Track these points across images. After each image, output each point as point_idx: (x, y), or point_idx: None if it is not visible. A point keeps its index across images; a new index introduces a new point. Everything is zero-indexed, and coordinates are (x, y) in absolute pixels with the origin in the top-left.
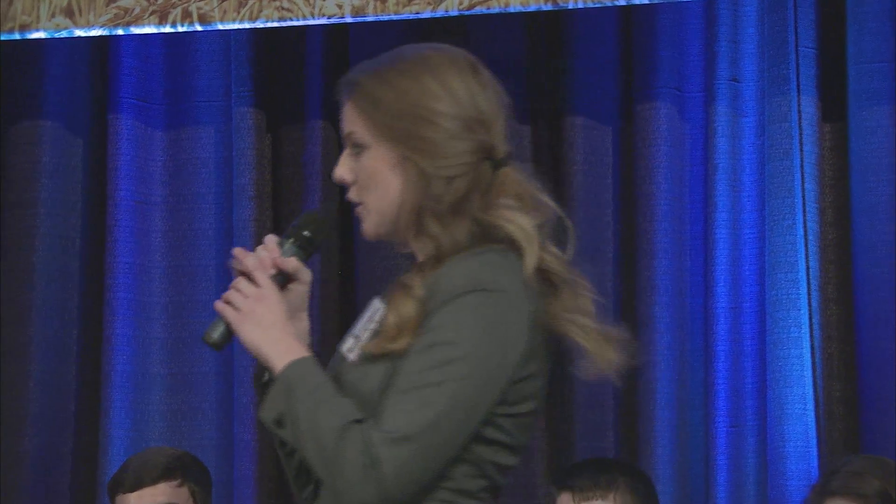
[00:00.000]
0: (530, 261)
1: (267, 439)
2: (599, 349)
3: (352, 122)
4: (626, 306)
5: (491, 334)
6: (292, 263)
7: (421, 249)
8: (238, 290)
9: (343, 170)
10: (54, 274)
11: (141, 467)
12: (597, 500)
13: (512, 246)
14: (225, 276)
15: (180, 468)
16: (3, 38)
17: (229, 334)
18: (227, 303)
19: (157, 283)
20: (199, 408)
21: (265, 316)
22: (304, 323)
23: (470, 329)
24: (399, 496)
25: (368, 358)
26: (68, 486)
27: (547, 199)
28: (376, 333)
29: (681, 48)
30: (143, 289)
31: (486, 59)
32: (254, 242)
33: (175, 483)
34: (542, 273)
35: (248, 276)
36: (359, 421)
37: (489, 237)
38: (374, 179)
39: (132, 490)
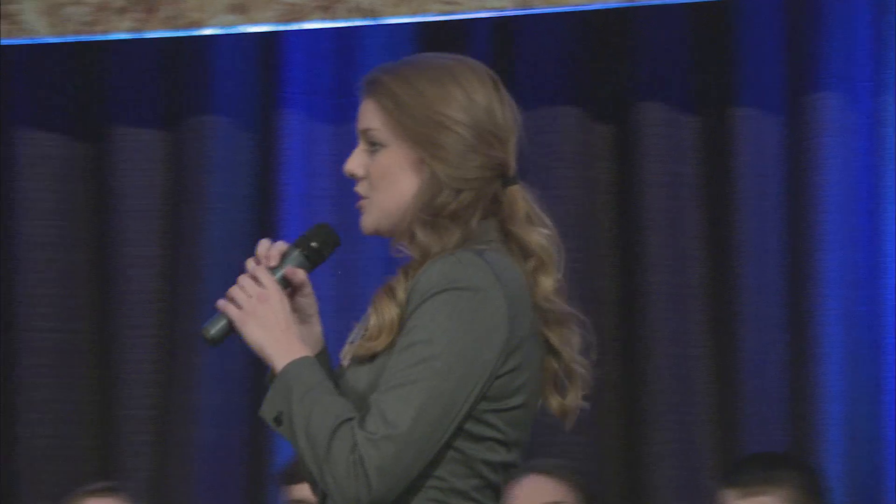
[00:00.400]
0: (549, 282)
1: None
2: (573, 390)
3: (371, 119)
4: (793, 299)
5: (464, 330)
6: (300, 276)
7: (414, 250)
8: (242, 289)
9: (354, 164)
10: (223, 267)
11: None
12: (763, 495)
13: (530, 258)
14: (390, 270)
15: None
16: (174, 35)
17: (228, 332)
18: (231, 301)
19: (324, 277)
20: None
21: (268, 316)
22: (316, 328)
23: (443, 326)
24: (385, 494)
25: (358, 360)
26: (240, 476)
27: (548, 221)
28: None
29: (849, 37)
30: (311, 282)
31: (651, 52)
32: None
33: None
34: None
35: (253, 277)
36: (350, 420)
37: (517, 250)
38: (388, 178)
39: (303, 481)
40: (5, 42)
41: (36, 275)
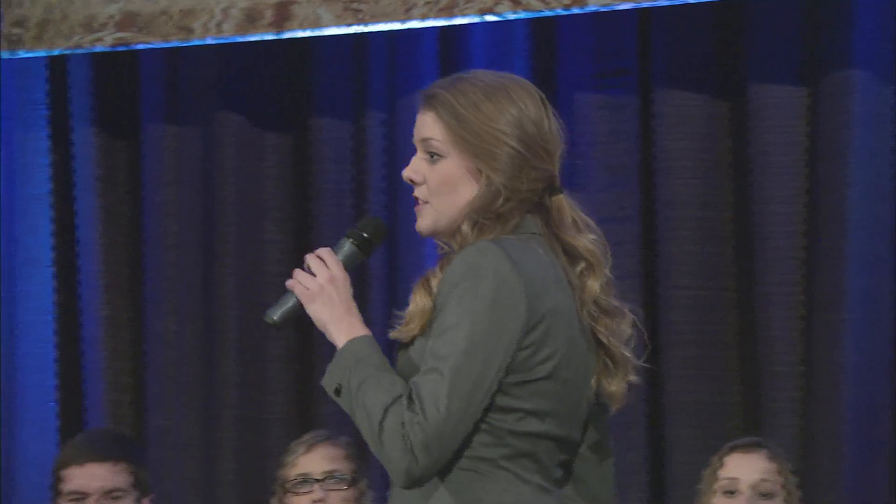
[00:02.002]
0: (596, 284)
1: None
2: (618, 378)
3: (431, 130)
4: None
5: (486, 311)
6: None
7: (455, 245)
8: (310, 271)
9: (412, 171)
10: (867, 223)
11: None
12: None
13: (579, 261)
14: None
15: None
16: None
17: (293, 313)
18: (298, 282)
19: None
20: None
21: (334, 295)
22: None
23: (467, 310)
24: (431, 467)
25: (401, 344)
26: (889, 435)
27: (594, 225)
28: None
29: None
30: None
31: None
32: None
33: None
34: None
35: (321, 259)
36: (401, 397)
37: (568, 253)
38: (449, 185)
39: None
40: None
41: (679, 233)
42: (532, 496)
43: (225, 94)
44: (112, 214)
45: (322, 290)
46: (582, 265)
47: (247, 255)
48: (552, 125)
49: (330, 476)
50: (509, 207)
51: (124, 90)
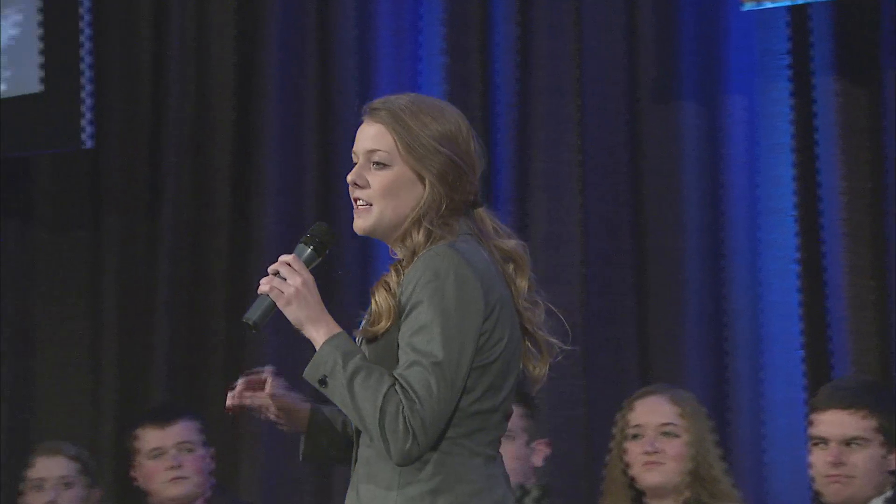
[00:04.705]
0: (524, 282)
1: None
2: (542, 362)
3: (378, 142)
4: None
5: (453, 307)
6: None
7: (400, 250)
8: (281, 276)
9: (356, 176)
10: None
11: None
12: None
13: (510, 262)
14: None
15: None
16: None
17: (268, 315)
18: (272, 287)
19: None
20: None
21: (308, 298)
22: None
23: (438, 308)
24: (426, 446)
25: (366, 340)
26: None
27: (511, 232)
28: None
29: None
30: None
31: None
32: None
33: None
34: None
35: (287, 264)
36: (393, 386)
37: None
38: (394, 191)
39: None
40: None
41: None
42: (482, 467)
43: None
44: (853, 162)
45: (298, 293)
46: (511, 266)
47: None
48: (476, 146)
49: None
50: (450, 213)
51: (865, 37)
